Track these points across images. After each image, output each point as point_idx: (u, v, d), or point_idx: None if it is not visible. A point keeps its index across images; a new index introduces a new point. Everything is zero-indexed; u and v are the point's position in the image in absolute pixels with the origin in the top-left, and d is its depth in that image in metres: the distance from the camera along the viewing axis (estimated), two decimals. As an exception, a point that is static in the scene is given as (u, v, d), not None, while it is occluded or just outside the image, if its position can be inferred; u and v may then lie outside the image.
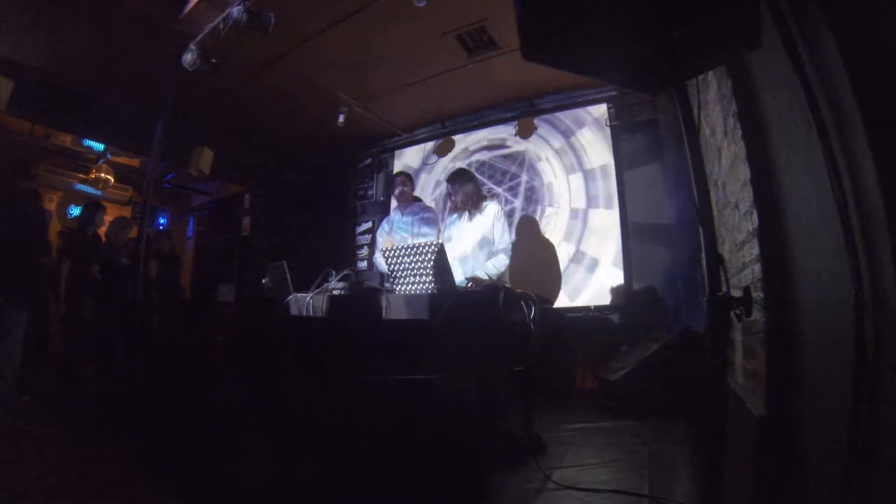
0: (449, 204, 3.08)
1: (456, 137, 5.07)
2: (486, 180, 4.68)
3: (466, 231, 2.93)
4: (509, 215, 4.44)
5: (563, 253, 4.15)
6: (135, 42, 3.55)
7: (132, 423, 2.67)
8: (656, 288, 3.78)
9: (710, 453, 1.14)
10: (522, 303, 2.18)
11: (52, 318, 4.56)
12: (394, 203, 3.54)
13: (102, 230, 4.08)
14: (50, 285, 3.60)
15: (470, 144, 4.97)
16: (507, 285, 2.37)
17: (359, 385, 2.09)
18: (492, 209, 2.92)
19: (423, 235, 3.28)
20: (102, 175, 6.61)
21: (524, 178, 4.56)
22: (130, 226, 4.37)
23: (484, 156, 4.83)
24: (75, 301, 3.64)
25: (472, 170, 4.38)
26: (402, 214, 3.41)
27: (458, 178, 3.02)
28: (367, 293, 2.48)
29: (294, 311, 2.55)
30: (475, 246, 2.88)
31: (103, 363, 3.77)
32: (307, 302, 2.48)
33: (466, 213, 2.94)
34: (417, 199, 3.66)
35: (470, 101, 4.70)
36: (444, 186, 3.16)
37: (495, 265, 2.78)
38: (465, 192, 2.92)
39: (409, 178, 3.52)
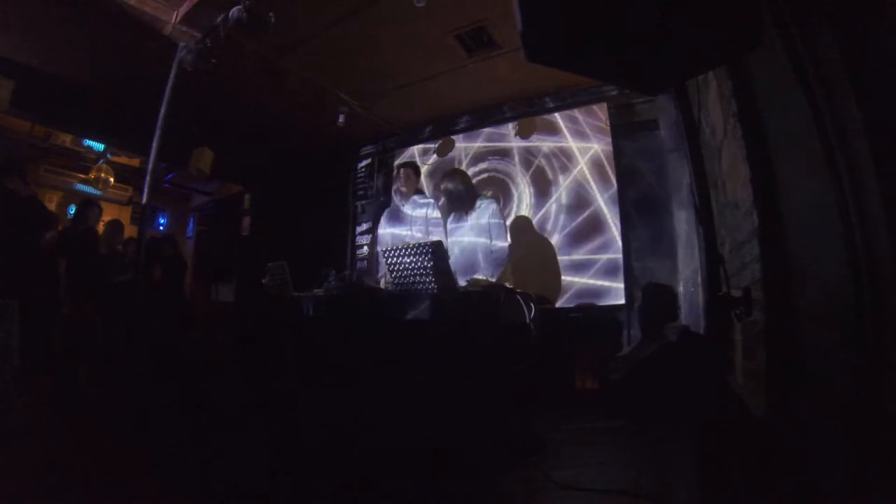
0: (443, 205, 3.06)
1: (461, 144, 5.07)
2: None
3: (462, 231, 2.93)
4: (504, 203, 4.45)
5: (563, 252, 4.15)
6: (135, 42, 3.55)
7: (131, 424, 2.67)
8: (656, 288, 3.78)
9: (711, 453, 1.14)
10: (522, 303, 2.18)
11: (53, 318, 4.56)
12: (395, 196, 3.43)
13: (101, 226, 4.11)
14: (47, 283, 3.60)
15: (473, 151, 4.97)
16: (508, 286, 2.37)
17: (358, 385, 2.09)
18: (488, 208, 2.91)
19: (423, 229, 3.20)
20: (102, 175, 6.61)
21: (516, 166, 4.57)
22: (122, 228, 4.42)
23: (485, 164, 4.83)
24: (74, 300, 3.64)
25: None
26: (403, 206, 3.37)
27: (451, 178, 3.01)
28: (366, 293, 2.49)
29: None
30: (473, 246, 2.88)
31: (102, 364, 3.77)
32: (307, 302, 2.48)
33: (462, 213, 2.94)
34: (420, 192, 3.52)
35: (470, 101, 4.70)
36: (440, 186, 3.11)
37: (495, 265, 2.78)
38: (458, 192, 2.92)
39: (413, 169, 3.38)
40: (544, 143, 4.50)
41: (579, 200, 4.21)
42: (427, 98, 4.57)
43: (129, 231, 6.59)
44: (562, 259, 4.15)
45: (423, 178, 5.06)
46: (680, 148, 3.41)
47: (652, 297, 3.76)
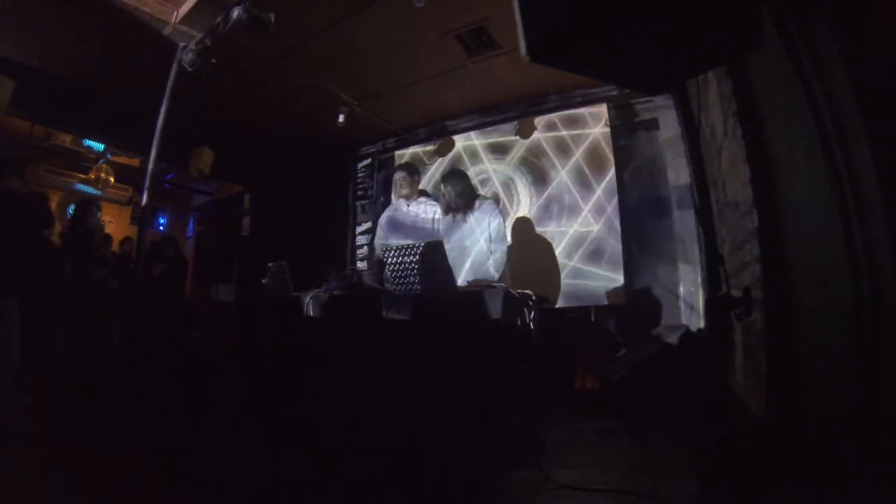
0: (442, 205, 3.05)
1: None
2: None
3: (462, 231, 2.92)
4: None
5: (562, 253, 4.15)
6: (135, 42, 3.55)
7: (131, 424, 2.67)
8: (656, 288, 3.78)
9: (711, 453, 1.14)
10: (522, 303, 2.18)
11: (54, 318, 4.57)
12: (395, 197, 3.42)
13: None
14: (48, 283, 3.60)
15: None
16: (508, 286, 2.37)
17: (358, 386, 2.09)
18: (487, 208, 2.90)
19: (425, 230, 3.19)
20: (102, 175, 6.61)
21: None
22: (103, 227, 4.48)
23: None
24: (77, 301, 3.64)
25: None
26: (405, 208, 3.37)
27: (451, 177, 3.00)
28: (366, 293, 2.49)
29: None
30: (473, 246, 2.87)
31: (102, 363, 3.77)
32: (307, 302, 2.48)
33: (461, 214, 2.94)
34: (424, 193, 3.53)
35: (470, 101, 4.70)
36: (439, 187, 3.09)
37: (494, 265, 2.78)
38: (458, 191, 2.92)
39: (414, 171, 3.38)
40: (544, 143, 4.51)
41: (579, 199, 4.21)
42: (427, 98, 4.57)
43: (129, 231, 6.60)
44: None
45: (423, 179, 5.05)
46: (680, 148, 3.42)
47: (651, 297, 3.76)
